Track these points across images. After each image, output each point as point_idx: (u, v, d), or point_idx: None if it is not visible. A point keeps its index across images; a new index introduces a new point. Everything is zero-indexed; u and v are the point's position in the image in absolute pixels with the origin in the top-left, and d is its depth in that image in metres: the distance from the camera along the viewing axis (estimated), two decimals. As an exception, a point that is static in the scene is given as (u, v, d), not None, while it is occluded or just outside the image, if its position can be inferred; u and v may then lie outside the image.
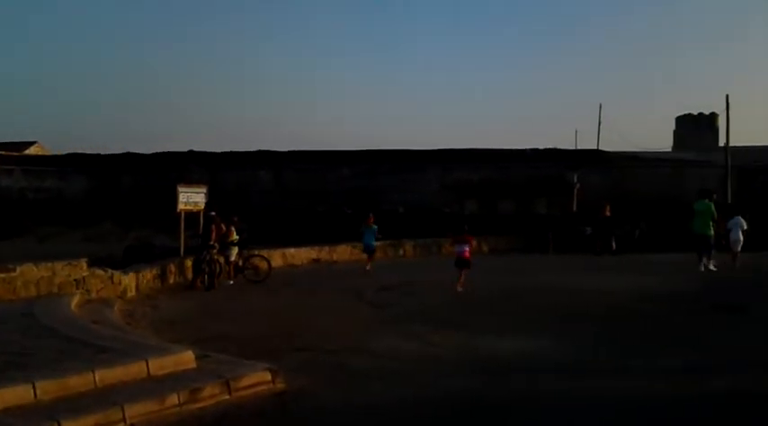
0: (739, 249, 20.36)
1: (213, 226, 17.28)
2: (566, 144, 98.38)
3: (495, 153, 53.91)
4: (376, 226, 20.79)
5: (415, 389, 7.48)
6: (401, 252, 25.75)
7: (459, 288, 15.47)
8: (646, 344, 9.92)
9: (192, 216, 19.13)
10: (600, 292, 15.28)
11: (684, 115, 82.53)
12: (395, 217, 35.44)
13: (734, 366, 8.49)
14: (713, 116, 72.29)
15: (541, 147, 55.19)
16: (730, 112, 39.89)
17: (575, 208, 36.72)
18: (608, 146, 64.21)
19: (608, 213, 25.51)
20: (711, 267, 19.09)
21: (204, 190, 19.88)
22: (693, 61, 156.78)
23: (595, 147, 66.01)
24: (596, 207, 26.14)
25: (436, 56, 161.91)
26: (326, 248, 23.66)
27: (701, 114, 79.68)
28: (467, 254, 15.99)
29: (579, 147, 66.87)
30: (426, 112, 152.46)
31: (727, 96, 39.33)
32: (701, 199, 19.89)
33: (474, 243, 17.16)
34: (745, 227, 20.63)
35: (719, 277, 18.08)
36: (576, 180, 38.13)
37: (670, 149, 72.32)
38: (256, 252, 19.10)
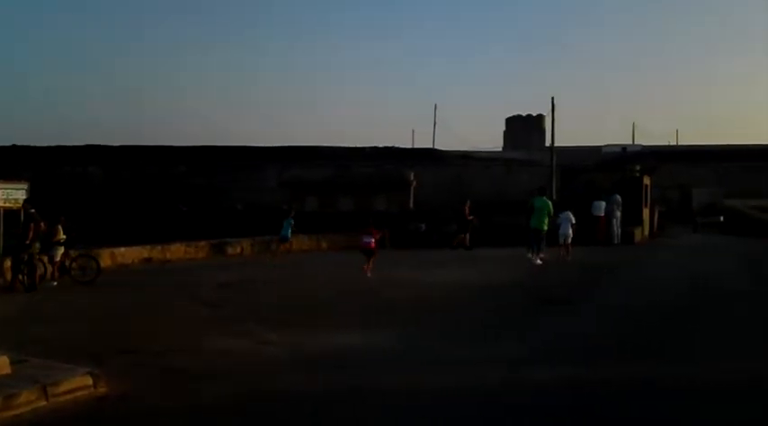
0: (570, 242, 21.41)
1: (31, 225, 16.18)
2: (403, 143, 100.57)
3: (335, 150, 54.31)
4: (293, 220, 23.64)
5: (242, 388, 7.29)
6: (239, 249, 25.30)
7: (369, 274, 17.09)
8: (474, 336, 10.19)
9: (15, 214, 18.04)
10: (434, 286, 15.60)
11: (514, 116, 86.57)
12: (233, 215, 34.82)
13: (555, 356, 8.87)
14: (540, 117, 76.33)
15: (380, 146, 56.22)
16: (556, 114, 42.05)
17: (411, 205, 37.56)
18: (443, 145, 66.43)
19: (468, 210, 26.25)
20: (538, 261, 19.89)
21: (25, 186, 18.74)
22: (522, 64, 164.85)
23: (431, 146, 67.94)
24: (434, 204, 26.80)
25: (278, 51, 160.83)
26: (159, 247, 22.83)
27: (529, 115, 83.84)
28: (372, 245, 17.58)
29: (416, 146, 68.80)
30: (266, 109, 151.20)
31: (553, 99, 41.49)
32: (540, 195, 20.84)
33: (378, 235, 18.19)
34: (574, 222, 21.83)
35: (550, 270, 18.90)
36: (412, 177, 39.04)
37: (501, 149, 75.68)
38: (84, 252, 18.16)
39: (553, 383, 7.39)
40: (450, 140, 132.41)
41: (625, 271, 18.98)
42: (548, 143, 50.74)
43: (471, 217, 25.94)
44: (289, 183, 40.86)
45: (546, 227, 20.28)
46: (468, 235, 25.73)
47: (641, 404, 6.61)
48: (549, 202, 20.79)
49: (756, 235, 34.06)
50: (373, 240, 17.60)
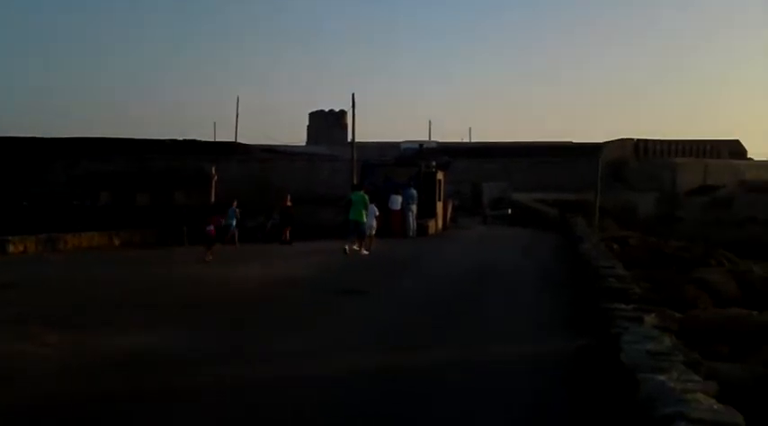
0: (373, 233, 22.43)
1: None
2: (205, 135, 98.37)
3: (132, 143, 52.06)
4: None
5: (9, 394, 6.88)
6: (22, 247, 23.65)
7: (209, 257, 19.05)
8: (270, 330, 10.25)
9: None
10: (237, 281, 15.51)
11: (317, 111, 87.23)
12: (18, 212, 32.53)
13: (344, 346, 9.15)
14: (342, 113, 77.50)
15: (180, 139, 54.65)
16: (357, 110, 42.82)
17: (212, 200, 36.90)
18: (246, 138, 65.72)
19: (289, 203, 26.10)
20: (364, 251, 20.98)
21: None
22: (325, 60, 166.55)
23: (233, 140, 66.92)
24: (237, 198, 26.45)
25: (68, 36, 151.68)
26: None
27: (331, 111, 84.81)
28: (213, 232, 19.82)
29: (218, 139, 67.53)
30: (60, 100, 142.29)
31: (353, 95, 42.21)
32: (356, 190, 22.36)
33: (218, 223, 20.70)
34: (377, 214, 22.92)
35: (357, 261, 19.54)
36: (213, 171, 38.35)
37: (305, 143, 76.08)
38: None
39: (330, 375, 7.65)
40: (253, 134, 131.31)
41: (419, 262, 19.83)
42: (350, 138, 51.70)
43: (292, 211, 26.03)
44: (80, 177, 38.79)
45: (364, 219, 21.47)
46: (288, 230, 25.74)
47: (424, 391, 7.00)
48: (366, 196, 22.05)
49: (539, 227, 36.73)
50: (213, 227, 19.64)
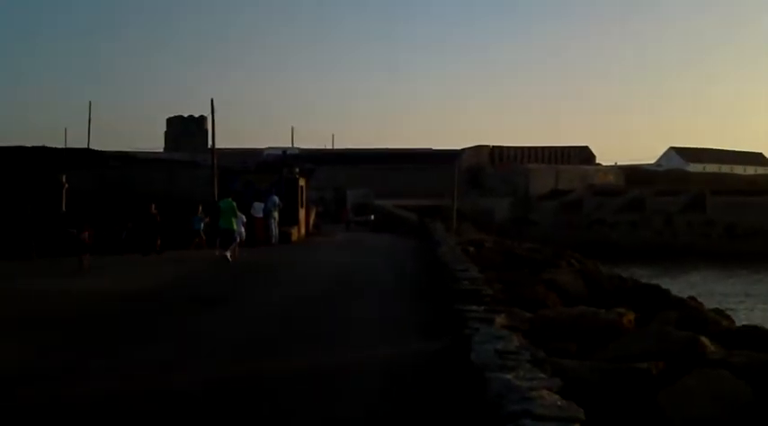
0: (240, 240, 22.50)
1: None
2: (55, 142, 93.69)
3: (-28, 149, 48.77)
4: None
5: None
6: None
7: (85, 265, 19.02)
8: (117, 343, 9.85)
9: None
10: (81, 294, 14.79)
11: (175, 117, 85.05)
12: None
13: (200, 356, 8.95)
14: (202, 119, 75.94)
15: (29, 145, 51.74)
16: (217, 116, 41.95)
17: (64, 209, 35.15)
18: (100, 145, 63.24)
19: (154, 211, 25.05)
20: (230, 258, 20.75)
21: None
22: (184, 65, 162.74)
23: (86, 146, 64.10)
24: (91, 206, 25.29)
25: None
26: None
27: (191, 116, 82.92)
28: (87, 240, 19.66)
29: (69, 146, 64.49)
30: None
31: (212, 100, 41.31)
32: (225, 198, 22.56)
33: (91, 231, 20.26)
34: (245, 220, 22.75)
35: (223, 269, 19.32)
36: (65, 179, 36.53)
37: (162, 149, 74.02)
38: None
39: (195, 384, 7.46)
40: (108, 140, 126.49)
41: (282, 269, 19.72)
42: (210, 144, 50.67)
43: (158, 219, 25.08)
44: None
45: (235, 227, 21.67)
46: (157, 239, 24.75)
47: (284, 396, 6.94)
48: (234, 203, 22.18)
49: (401, 232, 37.34)
50: (87, 234, 19.61)
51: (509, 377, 5.47)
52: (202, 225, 25.46)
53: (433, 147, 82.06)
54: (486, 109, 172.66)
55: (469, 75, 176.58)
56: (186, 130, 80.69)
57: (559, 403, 4.92)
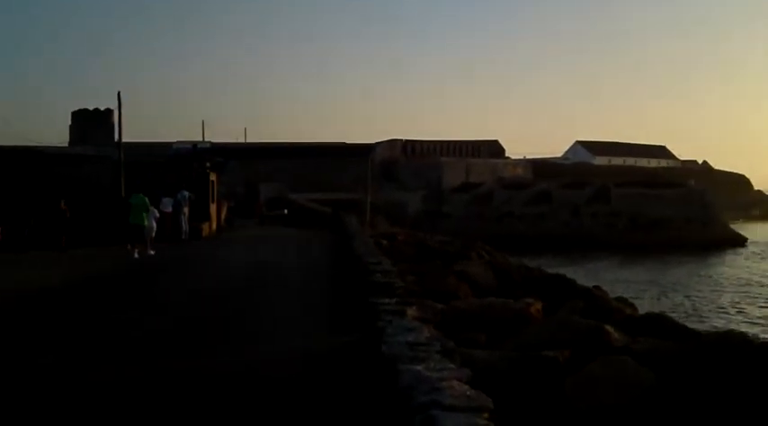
0: (153, 235, 22.29)
1: None
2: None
3: None
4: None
5: None
6: None
7: None
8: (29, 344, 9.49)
9: None
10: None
11: (80, 110, 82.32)
12: None
13: (115, 354, 8.70)
14: (109, 112, 73.57)
15: None
16: (124, 109, 40.86)
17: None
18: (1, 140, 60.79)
19: (63, 207, 24.06)
20: (150, 252, 20.94)
21: None
22: (87, 58, 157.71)
23: (-15, 141, 61.49)
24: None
25: None
26: None
27: (96, 110, 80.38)
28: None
29: (-34, 140, 61.67)
30: None
31: (119, 93, 40.23)
32: (137, 193, 22.13)
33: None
34: (158, 216, 22.95)
35: (132, 266, 18.95)
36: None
37: (68, 144, 71.58)
38: None
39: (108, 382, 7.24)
40: (9, 136, 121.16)
41: (191, 266, 19.36)
42: (117, 138, 49.32)
43: (68, 215, 24.16)
44: None
45: (146, 222, 21.55)
46: (63, 236, 23.85)
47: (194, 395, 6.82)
48: (146, 198, 21.98)
49: (315, 226, 37.18)
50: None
51: (419, 368, 5.51)
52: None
53: (347, 142, 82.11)
54: (399, 104, 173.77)
55: (382, 70, 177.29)
56: (92, 124, 78.19)
57: (468, 393, 4.98)
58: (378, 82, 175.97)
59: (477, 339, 11.12)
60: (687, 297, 31.63)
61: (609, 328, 11.37)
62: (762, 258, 50.32)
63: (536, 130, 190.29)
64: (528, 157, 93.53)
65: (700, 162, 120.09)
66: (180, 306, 12.84)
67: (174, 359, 8.53)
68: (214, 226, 33.31)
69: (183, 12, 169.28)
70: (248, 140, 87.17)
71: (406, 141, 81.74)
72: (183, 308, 12.56)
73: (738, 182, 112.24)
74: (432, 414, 4.48)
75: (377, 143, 77.05)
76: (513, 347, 10.74)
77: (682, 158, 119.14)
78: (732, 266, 45.37)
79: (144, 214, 21.43)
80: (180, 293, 14.37)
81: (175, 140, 72.62)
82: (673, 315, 19.56)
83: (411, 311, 8.08)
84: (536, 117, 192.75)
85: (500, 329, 12.10)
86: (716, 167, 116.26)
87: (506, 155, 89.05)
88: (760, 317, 26.60)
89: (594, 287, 20.42)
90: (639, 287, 33.70)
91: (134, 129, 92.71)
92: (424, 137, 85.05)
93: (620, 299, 19.85)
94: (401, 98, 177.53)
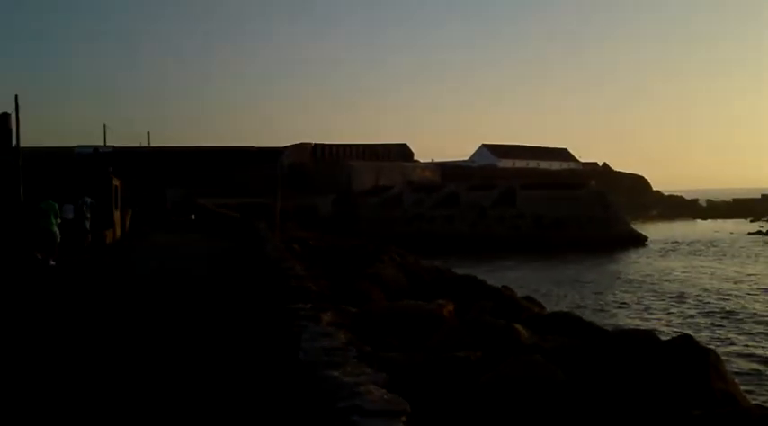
0: (58, 242, 21.41)
1: None
2: None
3: None
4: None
5: None
6: None
7: None
8: None
9: None
10: None
11: (-27, 113, 78.72)
12: None
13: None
14: (6, 116, 70.67)
15: None
16: (22, 113, 39.35)
17: None
18: None
19: None
20: (51, 262, 19.91)
21: None
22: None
23: None
24: None
25: None
26: None
27: (-8, 113, 76.97)
28: None
29: None
30: None
31: (17, 97, 38.71)
32: (47, 200, 21.45)
33: None
34: (60, 221, 21.92)
35: (38, 273, 18.23)
36: None
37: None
38: None
39: None
40: None
41: (94, 273, 18.78)
42: (15, 143, 47.39)
43: None
44: None
45: (56, 229, 20.84)
46: None
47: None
48: (55, 204, 21.45)
49: (224, 231, 36.63)
50: None
51: (336, 373, 5.48)
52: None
53: (256, 146, 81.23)
54: (308, 107, 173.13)
55: (290, 73, 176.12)
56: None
57: (386, 396, 4.99)
58: (288, 85, 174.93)
59: (391, 342, 11.16)
60: (592, 294, 32.67)
61: (519, 327, 11.62)
62: (661, 256, 52.47)
63: (444, 134, 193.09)
64: (436, 161, 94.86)
65: (600, 164, 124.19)
66: (78, 314, 12.42)
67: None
68: (118, 232, 32.39)
69: (82, 13, 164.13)
70: (152, 144, 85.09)
71: (316, 145, 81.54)
72: (81, 317, 12.14)
73: (637, 183, 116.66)
74: (352, 420, 4.47)
75: (285, 147, 76.53)
76: (426, 349, 10.84)
77: (582, 160, 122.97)
78: (634, 264, 47.14)
79: (54, 220, 20.77)
80: (79, 301, 13.89)
81: (76, 145, 70.24)
82: (579, 312, 20.19)
83: (326, 316, 8.04)
84: (443, 121, 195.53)
85: (414, 331, 12.19)
86: (616, 169, 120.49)
87: (415, 158, 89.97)
88: (663, 313, 27.72)
89: (503, 287, 20.84)
90: (546, 286, 34.57)
91: (33, 134, 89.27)
92: (334, 140, 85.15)
93: (528, 298, 20.34)
94: (311, 102, 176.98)
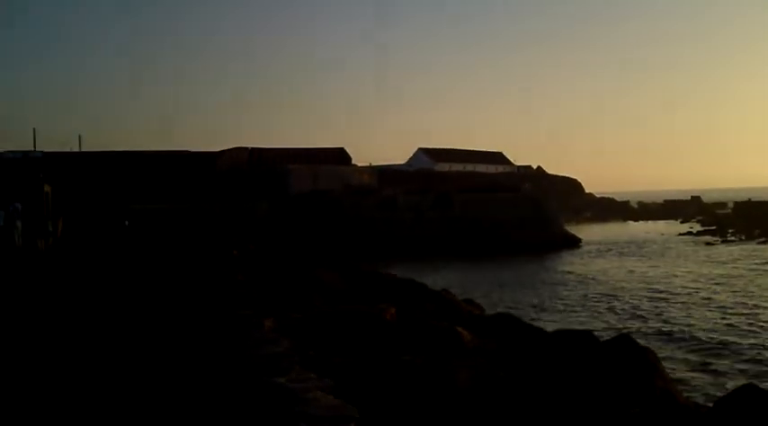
0: None
1: None
2: None
3: None
4: None
5: None
6: None
7: None
8: None
9: None
10: None
11: None
12: None
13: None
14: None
15: None
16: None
17: None
18: None
19: None
20: None
21: None
22: None
23: None
24: None
25: None
26: None
27: None
28: None
29: None
30: None
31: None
32: None
33: None
34: None
35: None
36: None
37: None
38: None
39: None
40: None
41: (27, 282, 18.21)
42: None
43: None
44: None
45: None
46: None
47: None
48: None
49: (160, 237, 35.93)
50: None
51: (282, 380, 5.42)
52: None
53: (191, 150, 79.98)
54: (246, 111, 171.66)
55: (225, 77, 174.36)
56: None
57: (334, 402, 4.95)
58: (223, 90, 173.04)
59: (334, 347, 11.09)
60: (530, 296, 33.13)
61: (461, 330, 11.68)
62: (595, 257, 53.56)
63: (381, 138, 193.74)
64: (373, 164, 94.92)
65: (534, 167, 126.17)
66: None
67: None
68: (51, 240, 31.46)
69: (10, 14, 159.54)
70: (83, 149, 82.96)
71: (253, 149, 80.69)
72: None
73: (571, 186, 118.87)
74: (300, 428, 4.42)
75: (222, 151, 75.56)
76: (370, 353, 10.80)
77: (518, 164, 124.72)
78: (569, 265, 47.99)
79: None
80: (16, 311, 13.43)
81: (3, 150, 68.06)
82: (518, 313, 20.42)
83: (268, 322, 7.95)
84: (381, 125, 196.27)
85: (356, 335, 12.14)
86: (550, 172, 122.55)
87: (353, 162, 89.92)
88: (599, 313, 28.27)
89: (443, 290, 20.94)
90: (484, 288, 34.91)
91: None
92: (271, 144, 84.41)
93: (468, 301, 20.48)
94: (248, 107, 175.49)
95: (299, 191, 67.91)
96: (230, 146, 78.79)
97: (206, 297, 13.05)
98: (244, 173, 72.67)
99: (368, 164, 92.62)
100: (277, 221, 59.31)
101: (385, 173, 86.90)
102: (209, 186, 44.52)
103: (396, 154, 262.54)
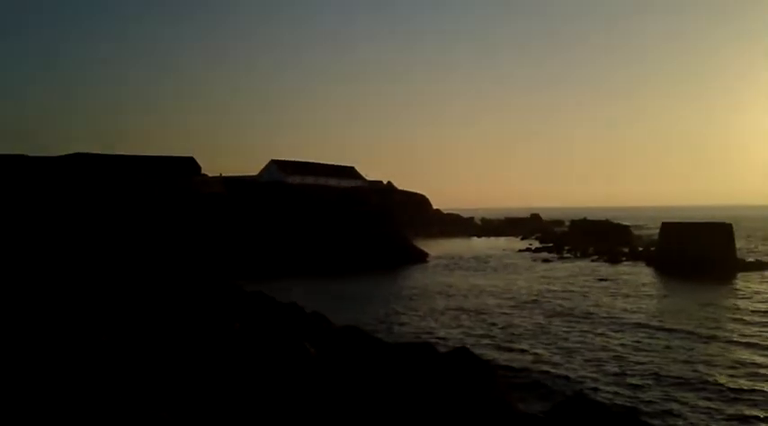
0: None
1: None
2: None
3: None
4: None
5: None
6: None
7: None
8: None
9: None
10: None
11: None
12: None
13: None
14: None
15: None
16: None
17: None
18: None
19: None
20: None
21: None
22: None
23: None
24: None
25: None
26: None
27: None
28: None
29: None
30: None
31: None
32: None
33: None
34: None
35: None
36: None
37: None
38: None
39: None
40: None
41: None
42: None
43: None
44: None
45: None
46: None
47: None
48: None
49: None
50: None
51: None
52: None
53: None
54: (92, 117, 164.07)
55: (74, 81, 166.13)
56: None
57: None
58: (67, 91, 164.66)
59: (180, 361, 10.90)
60: (376, 309, 33.66)
61: (307, 344, 11.79)
62: (441, 272, 55.08)
63: (234, 149, 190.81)
64: (224, 175, 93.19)
65: (385, 182, 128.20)
66: None
67: None
68: None
69: None
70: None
71: (93, 155, 77.37)
72: None
73: (419, 202, 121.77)
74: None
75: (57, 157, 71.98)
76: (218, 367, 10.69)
77: (369, 179, 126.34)
78: (415, 280, 49.09)
79: None
80: None
81: None
82: (363, 326, 20.75)
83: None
84: (233, 136, 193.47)
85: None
86: (399, 188, 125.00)
87: (202, 172, 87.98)
88: (442, 326, 29.14)
89: (291, 303, 20.96)
90: (332, 302, 35.13)
91: None
92: (106, 152, 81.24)
93: (316, 314, 20.61)
94: (97, 112, 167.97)
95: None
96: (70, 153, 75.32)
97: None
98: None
99: (219, 175, 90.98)
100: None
101: (234, 184, 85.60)
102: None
103: (249, 166, 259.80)
